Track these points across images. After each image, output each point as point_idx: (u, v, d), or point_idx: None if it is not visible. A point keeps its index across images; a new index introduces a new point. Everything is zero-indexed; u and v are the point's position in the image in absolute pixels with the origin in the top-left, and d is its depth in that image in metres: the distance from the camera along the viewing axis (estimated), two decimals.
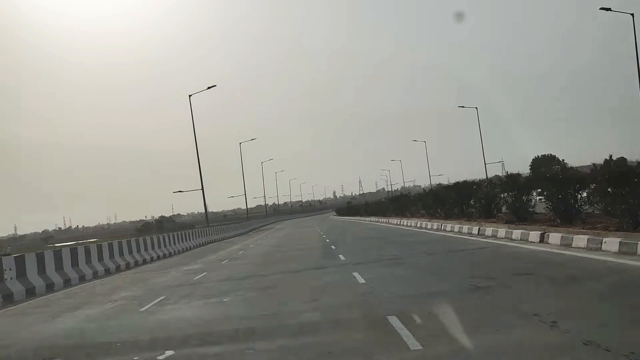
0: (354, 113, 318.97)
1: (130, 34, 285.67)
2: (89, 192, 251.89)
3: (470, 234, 19.12)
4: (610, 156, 14.61)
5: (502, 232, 16.43)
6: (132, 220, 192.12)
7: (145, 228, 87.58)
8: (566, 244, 12.12)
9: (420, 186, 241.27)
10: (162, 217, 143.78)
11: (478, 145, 61.89)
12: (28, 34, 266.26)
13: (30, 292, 15.13)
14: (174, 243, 30.93)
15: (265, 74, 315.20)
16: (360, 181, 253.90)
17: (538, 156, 63.07)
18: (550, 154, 63.01)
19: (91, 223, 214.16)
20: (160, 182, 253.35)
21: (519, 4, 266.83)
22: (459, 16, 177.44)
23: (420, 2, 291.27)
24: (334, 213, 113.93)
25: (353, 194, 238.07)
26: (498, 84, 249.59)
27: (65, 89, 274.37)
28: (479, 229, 18.71)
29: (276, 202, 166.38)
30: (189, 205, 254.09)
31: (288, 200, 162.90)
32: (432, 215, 28.92)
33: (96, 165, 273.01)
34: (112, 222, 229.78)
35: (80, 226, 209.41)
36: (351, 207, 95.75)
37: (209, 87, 43.92)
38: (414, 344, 5.44)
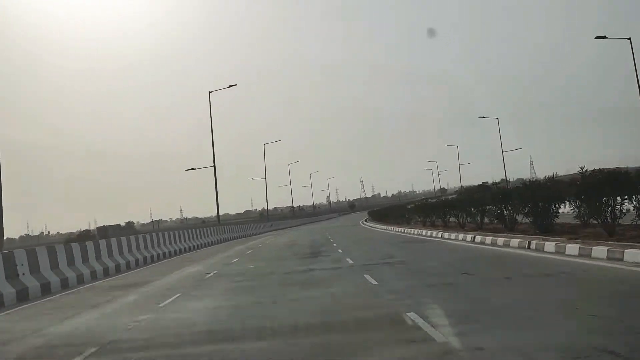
0: (351, 116, 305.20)
1: (134, 35, 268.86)
2: (76, 197, 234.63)
3: None
4: None
5: None
6: (113, 224, 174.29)
7: (83, 237, 68.20)
8: None
9: (415, 191, 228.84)
10: (130, 222, 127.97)
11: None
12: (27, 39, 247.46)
13: None
14: None
15: (264, 76, 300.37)
16: (362, 182, 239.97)
17: None
18: None
19: (74, 228, 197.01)
20: (157, 186, 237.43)
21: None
22: (431, 32, 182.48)
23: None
24: (367, 217, 75.95)
25: (347, 199, 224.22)
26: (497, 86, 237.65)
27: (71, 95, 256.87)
28: None
29: (265, 208, 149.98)
30: (176, 210, 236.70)
31: (278, 203, 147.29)
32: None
33: (84, 169, 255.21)
34: (92, 227, 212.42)
35: (52, 232, 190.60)
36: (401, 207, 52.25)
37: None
38: None
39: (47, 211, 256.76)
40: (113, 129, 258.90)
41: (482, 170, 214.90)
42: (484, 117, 64.34)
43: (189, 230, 33.51)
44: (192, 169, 45.45)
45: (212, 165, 42.89)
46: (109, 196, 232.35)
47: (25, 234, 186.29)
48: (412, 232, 29.42)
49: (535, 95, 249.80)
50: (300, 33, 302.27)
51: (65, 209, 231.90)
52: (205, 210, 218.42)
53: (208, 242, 35.99)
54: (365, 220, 69.05)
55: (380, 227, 43.42)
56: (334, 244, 24.25)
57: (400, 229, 34.43)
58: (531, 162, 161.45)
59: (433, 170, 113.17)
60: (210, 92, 42.88)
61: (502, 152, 60.26)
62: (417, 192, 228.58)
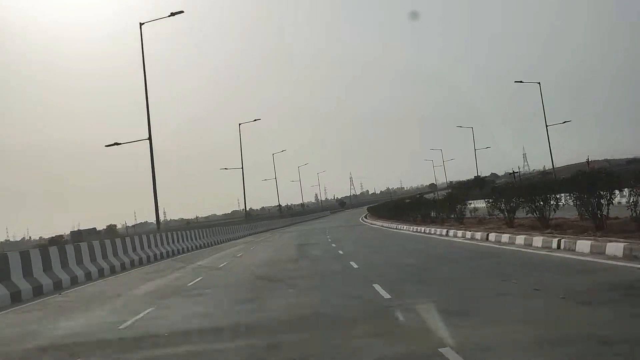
0: (333, 116, 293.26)
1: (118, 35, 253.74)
2: (63, 200, 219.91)
3: None
4: None
5: None
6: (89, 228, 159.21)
7: (55, 243, 56.82)
8: None
9: (404, 188, 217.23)
10: (111, 225, 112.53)
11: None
12: None
13: None
14: None
15: (252, 74, 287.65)
16: (351, 178, 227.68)
17: None
18: None
19: (58, 233, 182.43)
20: (146, 186, 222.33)
21: None
22: (414, 15, 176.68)
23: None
24: (367, 214, 67.06)
25: (336, 197, 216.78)
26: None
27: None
28: None
29: (253, 207, 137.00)
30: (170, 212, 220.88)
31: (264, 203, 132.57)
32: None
33: (72, 170, 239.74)
34: (76, 229, 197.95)
35: (35, 237, 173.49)
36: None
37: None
38: None
39: (30, 215, 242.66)
40: (108, 129, 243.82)
41: (463, 167, 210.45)
42: (521, 81, 51.10)
43: (125, 239, 22.79)
44: (116, 143, 31.61)
45: (148, 137, 28.56)
46: (97, 198, 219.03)
47: (6, 240, 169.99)
48: (497, 240, 14.91)
49: (531, 92, 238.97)
50: (287, 25, 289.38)
51: (51, 213, 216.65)
52: (193, 211, 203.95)
53: (137, 260, 22.50)
54: (365, 217, 58.00)
55: (405, 228, 29.52)
56: (383, 293, 8.33)
57: (453, 231, 19.88)
58: (524, 154, 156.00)
59: (434, 162, 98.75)
60: (142, 24, 30.78)
61: (546, 125, 48.68)
62: (406, 189, 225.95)
